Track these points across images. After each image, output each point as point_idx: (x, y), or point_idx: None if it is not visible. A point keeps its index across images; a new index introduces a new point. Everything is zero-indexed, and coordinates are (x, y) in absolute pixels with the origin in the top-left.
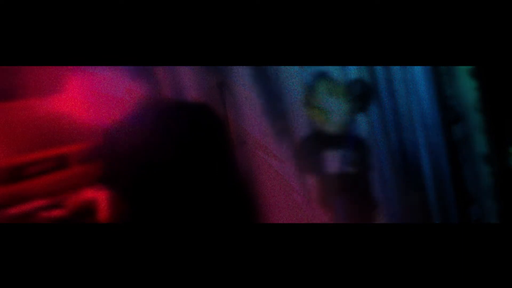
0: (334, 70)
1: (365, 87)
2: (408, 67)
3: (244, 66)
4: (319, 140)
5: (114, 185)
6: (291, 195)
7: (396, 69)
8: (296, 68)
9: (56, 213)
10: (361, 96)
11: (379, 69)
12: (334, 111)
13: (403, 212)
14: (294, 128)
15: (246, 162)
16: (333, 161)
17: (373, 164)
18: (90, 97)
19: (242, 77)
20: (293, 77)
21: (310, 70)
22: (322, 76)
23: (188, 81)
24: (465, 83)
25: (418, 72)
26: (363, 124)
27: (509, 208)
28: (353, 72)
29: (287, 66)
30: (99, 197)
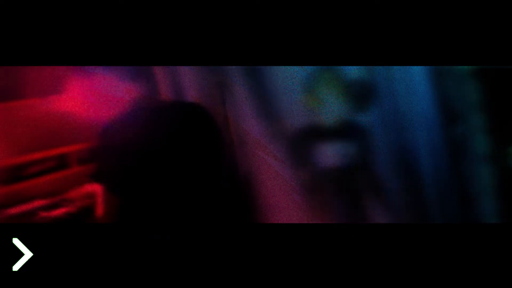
0: (336, 70)
1: (365, 87)
2: (408, 67)
3: (244, 66)
4: (315, 134)
5: (107, 182)
6: (291, 195)
7: (396, 69)
8: (296, 68)
9: (56, 213)
10: (361, 96)
11: (379, 69)
12: (330, 104)
13: (403, 212)
14: (294, 128)
15: (246, 162)
16: (329, 155)
17: (372, 159)
18: (90, 97)
19: (242, 77)
20: (293, 77)
21: (310, 70)
22: (329, 69)
23: (188, 81)
24: (465, 83)
25: (418, 72)
26: (363, 124)
27: (509, 208)
28: (353, 72)
29: (287, 66)
30: (98, 191)
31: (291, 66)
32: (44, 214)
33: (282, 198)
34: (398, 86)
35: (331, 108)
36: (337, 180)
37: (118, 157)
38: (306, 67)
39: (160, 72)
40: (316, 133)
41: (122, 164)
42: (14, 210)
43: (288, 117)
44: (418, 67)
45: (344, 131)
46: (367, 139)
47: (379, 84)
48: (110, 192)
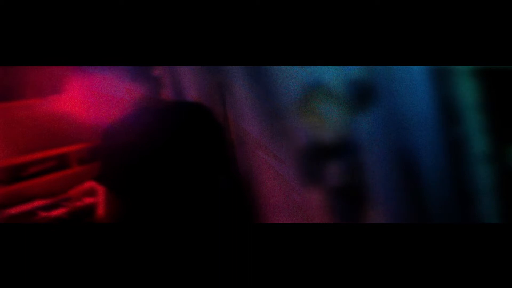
0: (329, 76)
1: (365, 87)
2: (408, 67)
3: (244, 66)
4: (319, 150)
5: (111, 183)
6: (291, 195)
7: (396, 69)
8: (296, 68)
9: (56, 213)
10: (361, 96)
11: (379, 69)
12: (332, 116)
13: (403, 212)
14: (294, 128)
15: (246, 162)
16: (334, 170)
17: (372, 167)
18: (90, 97)
19: (242, 77)
20: (293, 77)
21: (310, 70)
22: (317, 85)
23: (188, 81)
24: (465, 83)
25: (418, 72)
26: (363, 124)
27: (509, 208)
28: (353, 72)
29: (286, 66)
30: (99, 189)
31: (291, 66)
32: (44, 214)
33: (282, 198)
34: (398, 86)
35: (329, 114)
36: (337, 180)
37: (120, 158)
38: (306, 67)
39: (160, 72)
40: (316, 144)
41: (125, 165)
42: (14, 210)
43: (289, 117)
44: (418, 67)
45: (343, 142)
46: (366, 146)
47: (379, 84)
48: (113, 193)
